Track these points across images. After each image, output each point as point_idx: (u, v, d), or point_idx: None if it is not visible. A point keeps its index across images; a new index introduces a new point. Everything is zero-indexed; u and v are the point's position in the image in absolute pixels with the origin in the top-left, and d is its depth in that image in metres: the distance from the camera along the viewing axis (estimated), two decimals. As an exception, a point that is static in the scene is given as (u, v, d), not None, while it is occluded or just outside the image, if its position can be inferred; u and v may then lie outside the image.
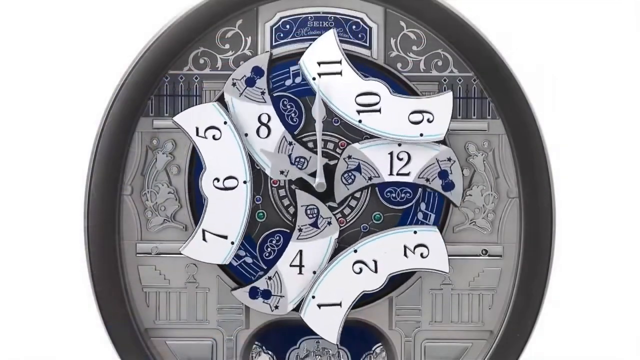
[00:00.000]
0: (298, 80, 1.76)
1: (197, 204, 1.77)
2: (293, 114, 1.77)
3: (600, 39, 2.17)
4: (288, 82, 1.77)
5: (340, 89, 1.74)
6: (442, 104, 1.74)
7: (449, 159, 1.75)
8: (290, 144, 1.75)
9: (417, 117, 1.74)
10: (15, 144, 2.18)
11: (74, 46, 2.16)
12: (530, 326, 1.77)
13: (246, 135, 1.75)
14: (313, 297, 1.75)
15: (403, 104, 1.74)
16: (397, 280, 1.78)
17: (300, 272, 1.76)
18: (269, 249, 1.78)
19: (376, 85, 1.74)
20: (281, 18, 1.77)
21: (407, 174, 1.76)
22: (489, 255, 1.79)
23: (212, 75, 1.77)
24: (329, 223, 1.76)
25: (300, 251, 1.76)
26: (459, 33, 1.76)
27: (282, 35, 1.77)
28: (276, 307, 1.76)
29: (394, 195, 1.77)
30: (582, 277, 2.15)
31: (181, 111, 1.76)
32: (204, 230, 1.75)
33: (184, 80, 1.77)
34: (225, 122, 1.74)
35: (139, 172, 1.78)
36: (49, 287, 2.15)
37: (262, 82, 1.75)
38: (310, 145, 1.76)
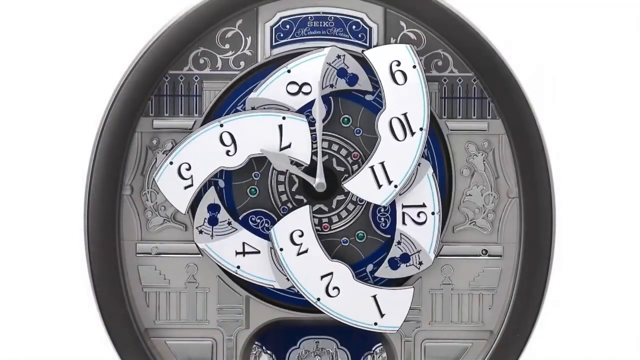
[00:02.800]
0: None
1: (197, 204, 1.77)
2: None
3: (601, 39, 2.17)
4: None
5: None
6: None
7: (420, 264, 1.75)
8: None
9: None
10: (15, 144, 2.18)
11: (74, 46, 2.16)
12: (530, 326, 1.77)
13: (289, 71, 1.73)
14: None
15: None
16: (397, 281, 1.78)
17: (236, 255, 1.75)
18: (252, 222, 1.77)
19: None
20: (281, 18, 1.77)
21: (405, 225, 1.76)
22: (489, 255, 1.79)
23: (212, 75, 1.77)
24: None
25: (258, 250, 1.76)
26: (459, 33, 1.76)
27: (282, 35, 1.77)
28: (200, 232, 1.75)
29: (383, 221, 1.77)
30: (582, 277, 2.15)
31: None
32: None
33: (184, 80, 1.77)
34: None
35: (139, 172, 1.78)
36: (49, 287, 2.15)
37: (342, 84, 1.75)
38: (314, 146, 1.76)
